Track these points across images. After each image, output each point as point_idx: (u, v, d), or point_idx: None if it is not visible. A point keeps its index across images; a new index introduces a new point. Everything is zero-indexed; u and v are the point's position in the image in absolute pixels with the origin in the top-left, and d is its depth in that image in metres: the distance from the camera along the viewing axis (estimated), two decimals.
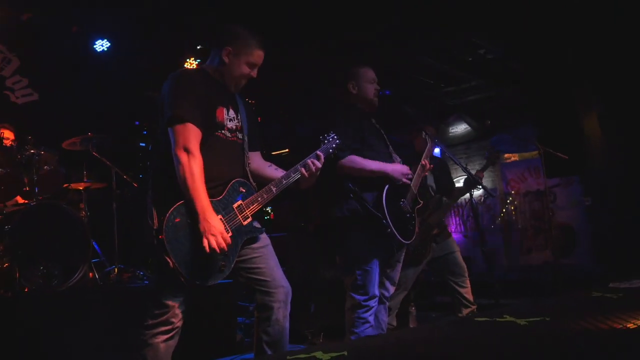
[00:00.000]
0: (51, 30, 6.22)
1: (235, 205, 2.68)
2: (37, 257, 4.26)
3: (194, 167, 2.50)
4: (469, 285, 5.10)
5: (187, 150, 2.52)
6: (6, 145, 4.67)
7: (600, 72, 7.25)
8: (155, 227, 2.48)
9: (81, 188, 5.37)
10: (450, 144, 10.37)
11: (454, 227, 10.96)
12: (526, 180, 9.75)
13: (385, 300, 3.74)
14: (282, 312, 2.70)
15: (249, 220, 2.71)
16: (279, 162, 3.13)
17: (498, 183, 10.23)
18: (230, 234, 2.56)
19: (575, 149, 6.78)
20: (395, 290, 4.85)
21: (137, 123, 7.40)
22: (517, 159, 10.10)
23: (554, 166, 5.75)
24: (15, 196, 4.73)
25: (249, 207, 2.71)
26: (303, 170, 2.83)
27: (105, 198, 5.43)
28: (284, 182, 2.82)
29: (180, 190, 2.51)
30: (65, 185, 5.32)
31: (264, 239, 2.80)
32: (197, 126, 2.59)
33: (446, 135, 10.36)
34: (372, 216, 3.36)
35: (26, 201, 4.71)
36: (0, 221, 4.31)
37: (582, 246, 8.76)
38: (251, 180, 2.85)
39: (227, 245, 2.50)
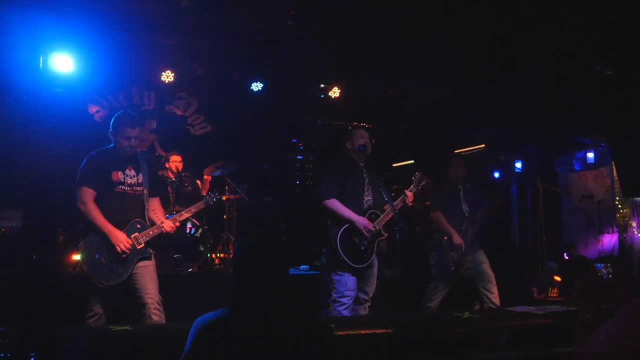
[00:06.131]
0: (218, 78, 8.45)
1: (132, 236, 4.30)
2: (169, 249, 6.45)
3: (91, 211, 4.22)
4: (496, 292, 5.89)
5: (83, 203, 4.25)
6: (163, 177, 7.01)
7: None
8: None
9: (224, 199, 7.47)
10: None
11: (637, 227, 10.72)
12: None
13: (364, 302, 5.01)
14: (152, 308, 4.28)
15: (142, 246, 4.32)
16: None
17: None
18: (128, 252, 4.21)
19: None
20: (435, 294, 5.96)
21: (294, 141, 9.38)
22: None
23: None
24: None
25: (142, 237, 4.32)
26: None
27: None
28: (177, 217, 4.61)
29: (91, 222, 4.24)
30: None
31: (149, 261, 4.39)
32: (91, 188, 4.28)
33: None
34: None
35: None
36: None
37: None
38: (148, 218, 4.43)
39: (127, 255, 4.19)
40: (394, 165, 9.98)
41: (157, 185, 4.76)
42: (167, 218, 4.59)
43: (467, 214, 6.02)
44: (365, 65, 7.93)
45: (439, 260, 5.94)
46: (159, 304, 4.36)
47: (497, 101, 8.70)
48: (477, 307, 6.57)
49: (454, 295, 6.07)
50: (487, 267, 5.96)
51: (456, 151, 10.88)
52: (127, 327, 3.62)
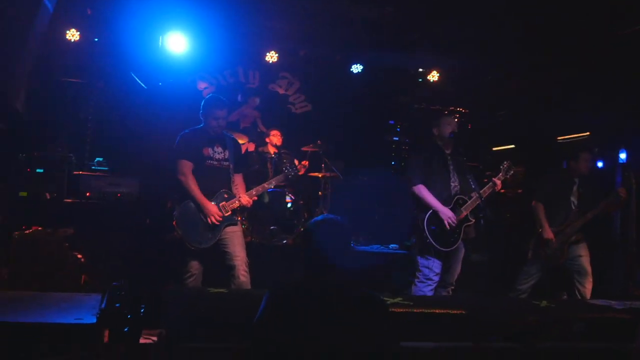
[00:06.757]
0: (320, 60, 8.78)
1: (220, 204, 4.74)
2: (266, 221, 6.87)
3: (189, 182, 4.69)
4: (589, 287, 5.77)
5: (183, 174, 4.72)
6: (263, 152, 7.38)
7: None
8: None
9: (320, 176, 7.78)
10: None
11: None
12: None
13: (448, 285, 5.18)
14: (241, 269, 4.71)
15: (229, 213, 4.76)
16: None
17: None
18: (218, 223, 4.66)
19: None
20: (527, 277, 5.98)
21: (391, 122, 9.53)
22: None
23: None
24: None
25: (229, 206, 4.76)
26: None
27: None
28: (254, 192, 4.97)
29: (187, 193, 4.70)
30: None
31: (236, 227, 4.82)
32: (189, 160, 4.75)
33: None
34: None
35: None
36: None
37: None
38: (233, 190, 4.84)
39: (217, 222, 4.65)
40: (493, 149, 9.87)
41: (241, 163, 5.21)
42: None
43: (574, 208, 5.92)
44: (465, 50, 7.95)
45: (536, 247, 5.95)
46: (246, 266, 4.81)
47: (603, 87, 8.46)
48: (565, 298, 6.53)
49: (544, 284, 6.05)
50: (585, 260, 5.83)
51: (559, 138, 10.60)
52: (223, 290, 3.99)
